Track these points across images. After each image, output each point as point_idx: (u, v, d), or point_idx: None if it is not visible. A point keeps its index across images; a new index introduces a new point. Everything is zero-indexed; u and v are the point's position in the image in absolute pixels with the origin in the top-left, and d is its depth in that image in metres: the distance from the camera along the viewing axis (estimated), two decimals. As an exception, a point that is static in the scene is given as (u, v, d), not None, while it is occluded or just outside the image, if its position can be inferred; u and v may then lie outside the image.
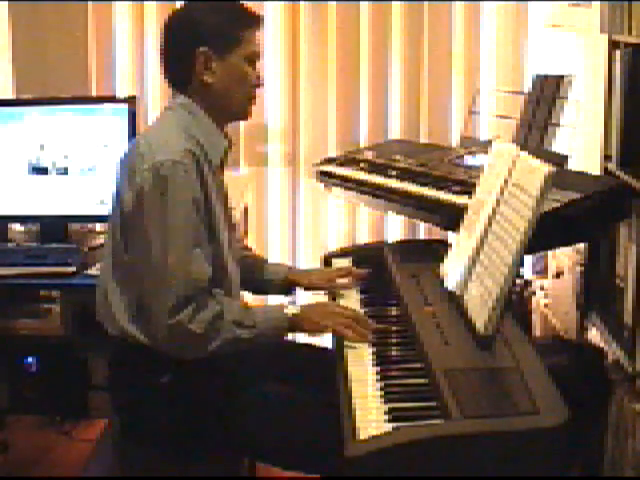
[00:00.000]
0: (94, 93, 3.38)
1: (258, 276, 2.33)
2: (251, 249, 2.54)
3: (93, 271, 2.64)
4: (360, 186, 2.62)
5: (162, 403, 2.00)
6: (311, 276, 2.36)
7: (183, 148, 1.95)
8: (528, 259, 2.98)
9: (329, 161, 2.85)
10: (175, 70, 2.08)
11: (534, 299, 3.04)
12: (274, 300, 3.20)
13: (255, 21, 2.09)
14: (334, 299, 2.26)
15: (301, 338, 3.27)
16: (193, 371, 1.99)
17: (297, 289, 2.40)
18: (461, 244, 2.11)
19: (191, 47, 2.01)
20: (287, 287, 2.36)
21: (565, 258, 2.81)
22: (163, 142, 1.97)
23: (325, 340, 2.26)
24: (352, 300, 2.23)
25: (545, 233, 1.94)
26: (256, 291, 2.42)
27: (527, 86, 2.85)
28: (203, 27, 2.02)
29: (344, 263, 2.51)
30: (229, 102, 2.08)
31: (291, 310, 2.04)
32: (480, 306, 1.84)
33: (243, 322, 1.97)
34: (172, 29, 2.08)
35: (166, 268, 1.91)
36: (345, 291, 2.28)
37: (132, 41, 3.39)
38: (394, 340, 1.99)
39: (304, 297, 3.36)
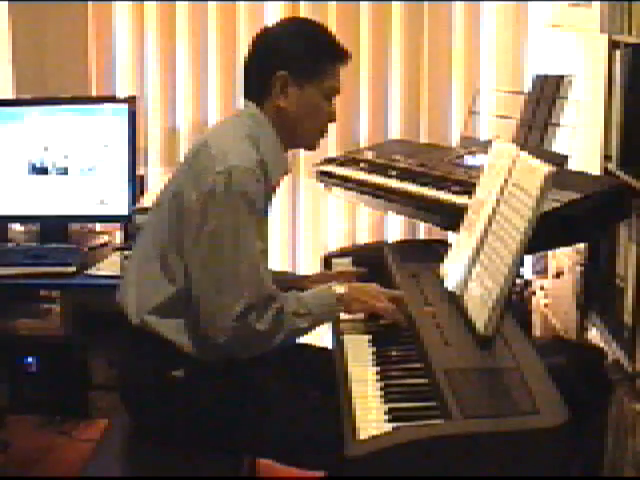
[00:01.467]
0: (94, 93, 3.38)
1: None
2: None
3: (93, 271, 2.64)
4: (360, 186, 2.62)
5: (171, 397, 2.00)
6: (310, 280, 2.35)
7: (256, 158, 1.96)
8: (528, 259, 2.98)
9: (329, 161, 2.85)
10: (254, 87, 2.09)
11: (534, 299, 3.03)
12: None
13: (342, 57, 2.08)
14: None
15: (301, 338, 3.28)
16: (206, 368, 1.99)
17: None
18: (461, 244, 2.11)
19: (272, 69, 2.02)
20: None
21: (565, 258, 2.81)
22: (236, 148, 1.97)
23: (325, 340, 2.26)
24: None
25: (545, 233, 1.94)
26: None
27: (527, 86, 2.85)
28: (287, 52, 2.04)
29: (344, 263, 2.51)
30: (298, 130, 2.09)
31: (338, 290, 2.06)
32: (480, 306, 1.84)
33: (299, 311, 1.99)
34: (258, 46, 2.09)
35: (238, 275, 1.91)
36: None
37: (132, 41, 3.39)
38: (394, 340, 1.99)
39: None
